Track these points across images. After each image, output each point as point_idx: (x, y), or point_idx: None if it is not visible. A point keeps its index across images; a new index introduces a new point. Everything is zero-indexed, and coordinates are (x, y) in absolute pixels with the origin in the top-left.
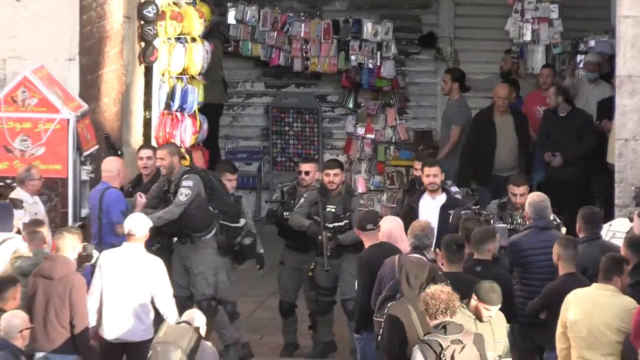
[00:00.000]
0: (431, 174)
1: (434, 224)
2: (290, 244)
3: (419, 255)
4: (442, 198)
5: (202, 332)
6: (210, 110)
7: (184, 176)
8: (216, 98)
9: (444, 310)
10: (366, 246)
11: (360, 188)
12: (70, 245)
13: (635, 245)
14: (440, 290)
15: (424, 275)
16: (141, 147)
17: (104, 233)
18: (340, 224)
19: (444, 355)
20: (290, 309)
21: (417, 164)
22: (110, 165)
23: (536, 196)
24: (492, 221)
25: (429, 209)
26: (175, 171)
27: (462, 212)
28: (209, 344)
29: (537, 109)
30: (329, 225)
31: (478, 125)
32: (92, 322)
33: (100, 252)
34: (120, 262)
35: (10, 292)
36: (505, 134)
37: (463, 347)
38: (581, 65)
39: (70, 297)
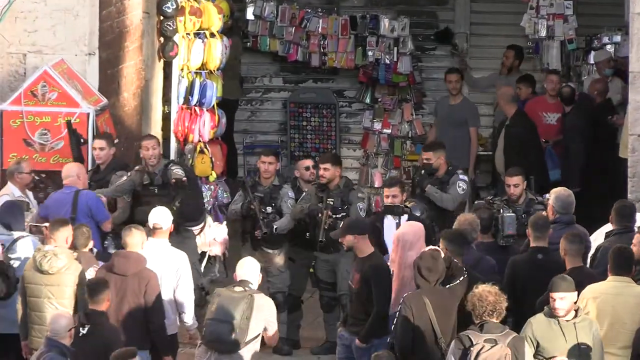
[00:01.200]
0: (390, 195)
1: None
2: (298, 242)
3: (434, 247)
4: (405, 218)
5: (255, 286)
6: (226, 106)
7: (170, 165)
8: (232, 94)
9: (490, 312)
10: (371, 251)
11: (377, 182)
12: (139, 241)
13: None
14: (488, 292)
15: (437, 266)
16: (95, 138)
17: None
18: (337, 216)
19: (470, 352)
20: (296, 303)
21: (426, 154)
22: (70, 171)
23: (563, 190)
24: (501, 210)
25: (394, 229)
26: (159, 162)
27: (476, 202)
28: (266, 301)
29: (543, 114)
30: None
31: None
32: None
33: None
34: (148, 257)
35: (105, 295)
36: None
37: (492, 346)
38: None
39: (145, 294)
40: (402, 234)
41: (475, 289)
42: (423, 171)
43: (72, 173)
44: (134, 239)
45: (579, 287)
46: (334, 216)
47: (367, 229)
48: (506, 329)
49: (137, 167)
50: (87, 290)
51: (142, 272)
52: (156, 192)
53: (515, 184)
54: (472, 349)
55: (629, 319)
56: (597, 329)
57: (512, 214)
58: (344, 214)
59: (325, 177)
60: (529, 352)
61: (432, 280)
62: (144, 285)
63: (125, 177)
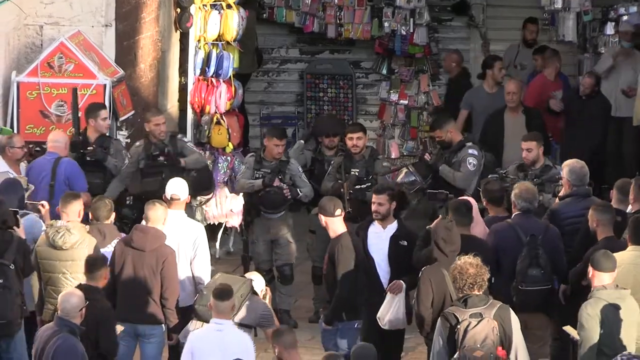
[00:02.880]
0: (377, 202)
1: (383, 255)
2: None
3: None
4: (392, 227)
5: (258, 290)
6: (238, 79)
7: (179, 137)
8: (245, 68)
9: (471, 285)
10: (340, 232)
11: (394, 153)
12: (162, 216)
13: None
14: (469, 264)
15: (452, 237)
16: (99, 108)
17: (55, 202)
18: (362, 186)
19: (457, 330)
20: (322, 275)
21: (434, 133)
22: (57, 136)
23: (576, 162)
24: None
25: (379, 239)
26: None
27: (490, 175)
28: (264, 301)
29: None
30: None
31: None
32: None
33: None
34: (166, 228)
35: (103, 271)
36: (515, 135)
37: (479, 321)
38: (615, 37)
39: (162, 270)
40: None
41: (457, 261)
42: (439, 147)
43: (59, 139)
44: (157, 212)
45: None
46: (358, 186)
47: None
48: (490, 300)
49: (137, 144)
50: (85, 265)
51: (160, 248)
52: (165, 162)
53: (528, 148)
54: (459, 326)
55: None
56: None
57: None
58: (370, 184)
59: (359, 146)
60: (515, 319)
61: (448, 252)
62: (162, 262)
63: (127, 160)
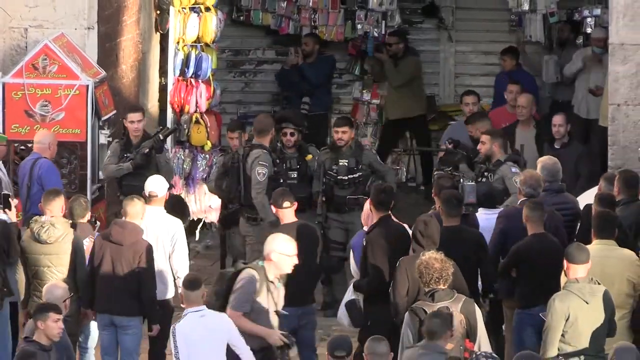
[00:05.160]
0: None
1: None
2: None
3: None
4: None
5: None
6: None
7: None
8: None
9: (437, 279)
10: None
11: None
12: (140, 211)
13: (602, 200)
14: (434, 259)
15: (428, 231)
16: (131, 111)
17: (31, 202)
18: (354, 175)
19: None
20: None
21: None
22: (43, 137)
23: (548, 159)
24: (461, 180)
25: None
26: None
27: (436, 172)
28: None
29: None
30: (344, 178)
31: None
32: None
33: (27, 220)
34: (144, 224)
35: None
36: (525, 149)
37: None
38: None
39: (139, 264)
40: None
41: (422, 257)
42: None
43: (45, 141)
44: (135, 208)
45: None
46: (350, 176)
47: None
48: (455, 294)
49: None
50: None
51: (138, 243)
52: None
53: (482, 141)
54: None
55: (617, 280)
56: None
57: (472, 183)
58: (361, 173)
59: (344, 139)
60: (479, 312)
61: (425, 245)
62: (139, 256)
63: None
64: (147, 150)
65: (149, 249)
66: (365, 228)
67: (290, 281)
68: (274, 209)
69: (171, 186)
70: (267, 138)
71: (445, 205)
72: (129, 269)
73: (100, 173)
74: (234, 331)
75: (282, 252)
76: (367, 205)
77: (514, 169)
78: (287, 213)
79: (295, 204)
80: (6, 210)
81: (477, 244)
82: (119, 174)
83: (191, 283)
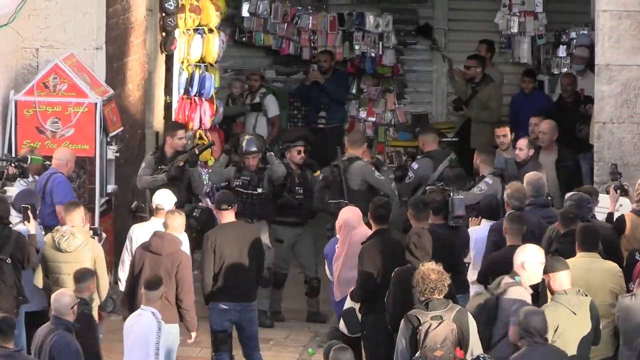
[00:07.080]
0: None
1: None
2: (285, 221)
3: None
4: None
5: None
6: None
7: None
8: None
9: (432, 290)
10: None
11: None
12: (181, 225)
13: (565, 217)
14: (432, 270)
15: (421, 243)
16: (177, 128)
17: (44, 215)
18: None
19: (419, 331)
20: (282, 280)
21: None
22: (62, 154)
23: (533, 175)
24: (452, 194)
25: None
26: None
27: (427, 187)
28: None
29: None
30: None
31: None
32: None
33: (44, 233)
34: (147, 235)
35: (89, 283)
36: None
37: (440, 323)
38: (567, 59)
39: (177, 274)
40: (346, 219)
41: (421, 267)
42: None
43: (62, 157)
44: (176, 221)
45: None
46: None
47: (219, 205)
48: (449, 303)
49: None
50: (74, 277)
51: (176, 253)
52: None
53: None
54: (420, 327)
55: (601, 292)
56: None
57: (461, 197)
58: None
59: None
60: (472, 321)
61: (418, 256)
62: (176, 266)
63: (145, 164)
64: (182, 163)
65: (187, 259)
66: (338, 236)
67: (230, 278)
68: (215, 210)
69: (199, 200)
70: (361, 150)
71: (413, 209)
72: (167, 277)
73: (109, 187)
74: (152, 335)
75: (532, 261)
76: (341, 214)
77: (488, 180)
78: (227, 214)
79: (235, 206)
80: (25, 222)
81: (449, 245)
82: (153, 185)
83: (151, 283)
